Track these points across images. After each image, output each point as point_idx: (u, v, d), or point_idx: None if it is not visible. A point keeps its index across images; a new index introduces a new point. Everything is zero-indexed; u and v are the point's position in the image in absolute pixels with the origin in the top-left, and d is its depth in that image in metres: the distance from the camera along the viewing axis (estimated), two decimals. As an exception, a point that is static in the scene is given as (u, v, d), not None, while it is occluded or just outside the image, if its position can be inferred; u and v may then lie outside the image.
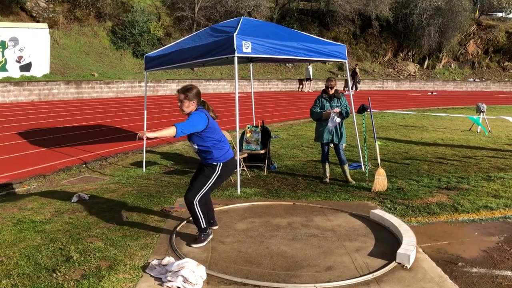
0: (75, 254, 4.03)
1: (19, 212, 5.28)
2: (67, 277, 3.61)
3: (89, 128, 12.58)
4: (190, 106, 4.35)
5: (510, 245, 4.59)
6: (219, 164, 4.42)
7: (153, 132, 4.17)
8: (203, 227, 4.44)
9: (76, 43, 24.94)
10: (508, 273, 3.93)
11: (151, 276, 3.65)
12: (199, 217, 4.41)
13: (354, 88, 29.26)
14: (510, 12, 40.69)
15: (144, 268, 3.80)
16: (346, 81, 28.25)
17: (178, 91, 4.40)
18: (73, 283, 3.50)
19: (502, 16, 40.62)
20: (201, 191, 4.40)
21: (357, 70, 30.35)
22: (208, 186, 4.43)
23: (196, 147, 4.43)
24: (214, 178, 4.43)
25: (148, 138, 4.43)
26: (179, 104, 4.37)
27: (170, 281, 3.47)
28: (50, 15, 24.30)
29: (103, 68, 24.14)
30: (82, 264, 3.85)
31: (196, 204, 4.37)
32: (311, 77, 28.25)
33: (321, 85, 27.89)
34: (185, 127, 4.18)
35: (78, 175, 7.73)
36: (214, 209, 5.50)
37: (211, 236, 4.51)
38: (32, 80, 19.49)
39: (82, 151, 9.44)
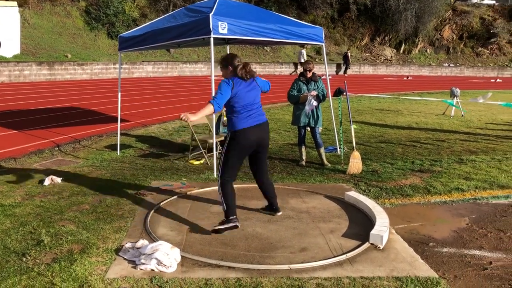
0: (46, 237, 3.95)
1: (-12, 196, 5.13)
2: (37, 261, 3.54)
3: (62, 110, 12.30)
4: (226, 74, 4.34)
5: (479, 225, 4.71)
6: (230, 133, 4.29)
7: (194, 115, 4.12)
8: (224, 209, 4.24)
9: (48, 23, 24.20)
10: (477, 252, 4.03)
11: (124, 259, 3.61)
12: (221, 197, 4.26)
13: (344, 72, 29.69)
14: (485, -2, 41.32)
15: (118, 251, 3.75)
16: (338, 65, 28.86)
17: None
18: (44, 266, 3.44)
19: (476, 2, 41.18)
20: (222, 166, 4.26)
21: (349, 54, 30.72)
22: (228, 160, 4.24)
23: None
24: (229, 150, 4.23)
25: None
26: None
27: (144, 263, 3.44)
28: (20, -7, 23.46)
29: (77, 49, 23.55)
30: (53, 248, 3.78)
31: (219, 181, 4.27)
32: (303, 61, 28.34)
33: (299, 68, 27.97)
34: (218, 99, 4.13)
35: (50, 158, 7.56)
36: (189, 192, 5.47)
37: (232, 224, 4.15)
38: (1, 60, 18.87)
39: (55, 134, 9.23)
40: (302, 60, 28.24)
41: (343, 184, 6.03)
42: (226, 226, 4.16)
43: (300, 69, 28.62)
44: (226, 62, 4.34)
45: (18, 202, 4.97)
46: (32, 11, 23.79)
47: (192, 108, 12.51)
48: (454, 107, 12.93)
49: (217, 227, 4.16)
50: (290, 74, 29.35)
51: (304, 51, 28.44)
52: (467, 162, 7.37)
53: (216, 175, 4.33)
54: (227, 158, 4.26)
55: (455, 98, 13.06)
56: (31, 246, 3.81)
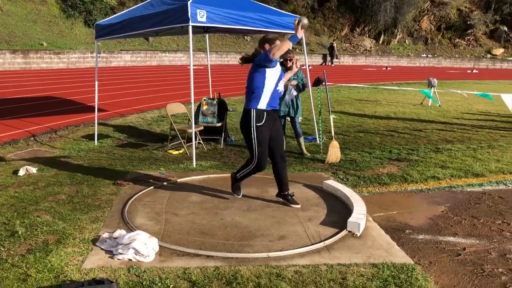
0: (21, 228, 3.88)
1: (-40, 187, 5.01)
2: (11, 252, 3.47)
3: (38, 99, 12.04)
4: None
5: (454, 212, 4.81)
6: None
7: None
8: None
9: (22, 10, 23.57)
10: (451, 238, 4.12)
11: (101, 249, 3.57)
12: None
13: (331, 63, 30.12)
14: (462, -10, 41.86)
15: (95, 241, 3.71)
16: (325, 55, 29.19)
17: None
18: (18, 258, 3.37)
19: (454, -6, 41.72)
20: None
21: (335, 45, 31.13)
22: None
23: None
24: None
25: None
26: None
27: (121, 253, 3.40)
28: (-7, -21, 22.80)
29: (53, 38, 23.03)
30: (28, 239, 3.71)
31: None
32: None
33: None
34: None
35: (25, 148, 7.40)
36: (167, 182, 5.43)
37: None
38: (-26, 48, 18.34)
39: (30, 124, 9.03)
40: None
41: (322, 173, 6.07)
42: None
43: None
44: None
45: (-9, 193, 4.86)
46: (6, -3, 23.14)
47: (172, 97, 12.41)
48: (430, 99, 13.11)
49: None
50: (322, 64, 29.92)
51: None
52: (443, 151, 7.50)
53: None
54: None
55: (433, 88, 13.26)
56: (5, 237, 3.74)
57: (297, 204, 4.70)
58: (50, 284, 3.03)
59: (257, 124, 4.39)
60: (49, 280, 3.08)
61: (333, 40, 32.34)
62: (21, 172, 5.64)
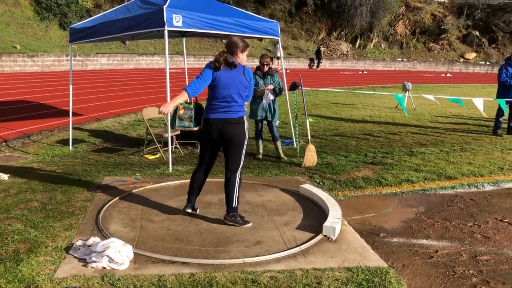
0: (-9, 237, 3.78)
1: None
2: (-19, 262, 3.39)
3: (10, 104, 11.77)
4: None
5: (427, 215, 4.90)
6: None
7: (173, 102, 4.24)
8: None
9: (-5, 12, 23.05)
10: (424, 241, 4.20)
11: (74, 257, 3.51)
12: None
13: (317, 67, 30.72)
14: (436, -5, 42.80)
15: (68, 249, 3.65)
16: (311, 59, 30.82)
17: (243, 50, 4.28)
18: (-12, 268, 3.29)
19: (428, -1, 42.64)
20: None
21: (321, 49, 31.77)
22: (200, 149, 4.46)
23: None
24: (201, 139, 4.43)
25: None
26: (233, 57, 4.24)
27: (95, 261, 3.36)
28: (-37, -20, 22.24)
29: (27, 40, 22.59)
30: (-2, 248, 3.63)
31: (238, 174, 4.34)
32: (279, 55, 29.45)
33: (256, 62, 28.12)
34: (191, 84, 4.22)
35: (-3, 154, 7.22)
36: (145, 187, 5.39)
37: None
38: None
39: (2, 129, 8.83)
40: (279, 55, 29.08)
41: (298, 177, 6.11)
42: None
43: (276, 62, 29.41)
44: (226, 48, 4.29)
45: (-40, 200, 4.73)
46: (-23, -1, 22.60)
47: (148, 101, 12.31)
48: (405, 101, 13.35)
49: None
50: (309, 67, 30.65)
51: (279, 45, 29.05)
52: (417, 154, 7.64)
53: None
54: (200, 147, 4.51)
55: (407, 92, 13.50)
56: (-26, 246, 3.64)
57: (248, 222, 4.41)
58: (21, 295, 2.96)
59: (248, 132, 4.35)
60: (20, 291, 3.01)
61: (320, 45, 33.02)
62: (-8, 179, 5.51)
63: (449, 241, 4.20)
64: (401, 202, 5.34)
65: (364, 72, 31.18)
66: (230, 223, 4.28)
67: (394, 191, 5.68)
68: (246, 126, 4.30)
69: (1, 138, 8.11)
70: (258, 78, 7.03)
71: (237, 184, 4.24)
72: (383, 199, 5.41)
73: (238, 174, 4.25)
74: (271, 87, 6.87)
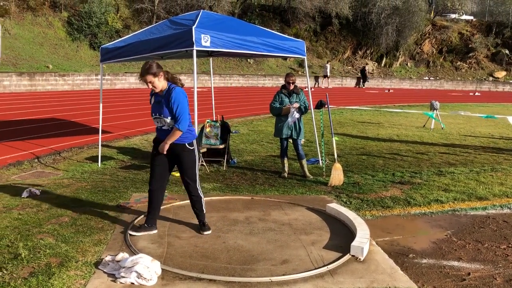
0: (24, 251, 3.88)
1: (-36, 209, 5.02)
2: (14, 275, 3.47)
3: (42, 121, 12.14)
4: (161, 80, 4.27)
5: (458, 236, 4.78)
6: (190, 145, 4.43)
7: (166, 143, 4.30)
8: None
9: (30, 34, 23.97)
10: (455, 263, 4.09)
11: (104, 272, 3.57)
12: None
13: (362, 85, 31.41)
14: (463, 14, 42.36)
15: (97, 264, 3.70)
16: (358, 78, 32.31)
17: (142, 75, 4.24)
18: (21, 281, 3.37)
19: (455, 18, 42.21)
20: (197, 179, 4.53)
21: (366, 68, 32.54)
22: (197, 171, 4.51)
23: (172, 123, 4.28)
24: (196, 160, 4.48)
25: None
26: (151, 86, 4.27)
27: (124, 277, 3.40)
28: (1, 4, 23.22)
29: (58, 60, 23.35)
30: (31, 262, 3.71)
31: (201, 195, 4.59)
32: (328, 74, 30.73)
33: (281, 81, 28.32)
34: (183, 120, 4.23)
35: (29, 170, 7.44)
36: (172, 203, 5.44)
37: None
38: (-19, 71, 18.59)
39: (34, 145, 9.09)
40: (328, 74, 29.86)
41: (324, 196, 6.07)
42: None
43: (324, 81, 30.53)
44: (156, 69, 4.24)
45: (-5, 215, 4.87)
46: (14, 21, 23.56)
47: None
48: (434, 120, 13.17)
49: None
50: (312, 88, 31.18)
51: (328, 65, 30.90)
52: (446, 174, 7.49)
53: (195, 193, 4.55)
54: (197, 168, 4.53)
55: (435, 111, 13.31)
56: (8, 260, 3.74)
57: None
58: (52, 308, 3.02)
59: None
60: (51, 304, 3.07)
61: (366, 64, 33.61)
62: (25, 194, 5.66)
63: (481, 264, 4.08)
64: (430, 222, 5.22)
65: (390, 91, 30.94)
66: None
67: (423, 211, 5.57)
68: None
69: (34, 155, 8.36)
70: (284, 96, 7.07)
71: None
72: (412, 220, 5.31)
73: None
74: (296, 105, 6.89)
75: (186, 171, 4.47)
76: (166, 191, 6.01)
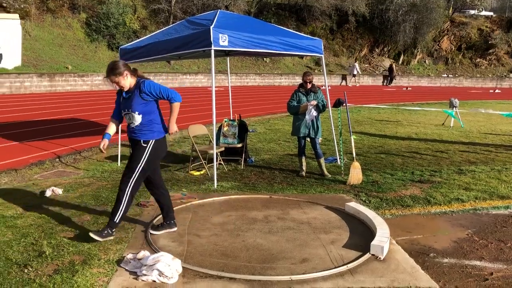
0: (48, 249, 3.96)
1: (-11, 207, 5.14)
2: (39, 272, 3.55)
3: (63, 121, 12.33)
4: (126, 78, 4.25)
5: (480, 235, 4.72)
6: (150, 142, 4.32)
7: (172, 122, 4.45)
8: (119, 217, 4.25)
9: (49, 35, 24.37)
10: (477, 262, 4.04)
11: (126, 270, 3.62)
12: (124, 205, 4.25)
13: (389, 83, 31.50)
14: (482, 10, 41.62)
15: (119, 262, 3.76)
16: (385, 76, 32.72)
17: (107, 75, 4.25)
18: (46, 278, 3.44)
19: (474, 14, 41.49)
20: (134, 174, 4.26)
21: (393, 66, 32.75)
22: (141, 168, 4.27)
23: (139, 120, 4.25)
24: (145, 158, 4.27)
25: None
26: (116, 86, 4.27)
27: (145, 274, 3.44)
28: (22, 6, 23.61)
29: (77, 61, 23.68)
30: (55, 259, 3.79)
31: (127, 191, 4.26)
32: (356, 73, 31.05)
33: (298, 80, 28.19)
34: (174, 94, 4.33)
35: (51, 169, 7.57)
36: (191, 202, 5.49)
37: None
38: (2, 72, 18.96)
39: (55, 145, 9.25)
40: (355, 73, 30.16)
41: (343, 195, 6.04)
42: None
43: (352, 80, 30.82)
44: (121, 68, 4.25)
45: (19, 213, 4.98)
46: (34, 23, 23.96)
47: (192, 119, 12.58)
48: (453, 118, 12.99)
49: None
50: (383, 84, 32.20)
51: (356, 64, 31.34)
52: (466, 172, 7.39)
53: (126, 182, 4.29)
54: (141, 167, 4.31)
55: (454, 108, 13.13)
56: (33, 257, 3.82)
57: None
58: (77, 305, 3.08)
59: None
60: (76, 301, 3.13)
61: (394, 62, 33.73)
62: (48, 193, 5.78)
63: (504, 264, 4.02)
64: (451, 221, 5.16)
65: (408, 89, 30.59)
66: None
67: (444, 210, 5.51)
68: None
69: (55, 154, 8.50)
70: (301, 95, 7.06)
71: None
72: (432, 219, 5.26)
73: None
74: (314, 102, 6.87)
75: (130, 162, 4.35)
76: (184, 190, 6.08)
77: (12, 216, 4.87)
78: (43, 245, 4.04)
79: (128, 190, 4.26)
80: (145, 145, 4.31)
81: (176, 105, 4.35)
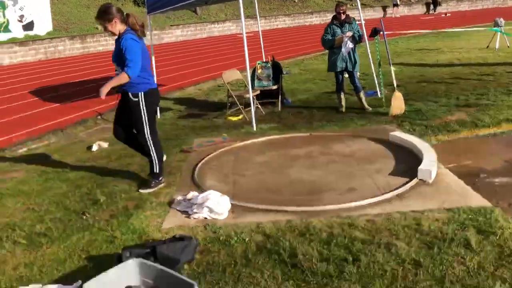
0: (102, 197, 4.14)
1: (43, 164, 5.38)
2: (97, 218, 3.73)
3: (99, 80, 12.53)
4: (115, 25, 4.03)
5: (533, 154, 4.54)
6: (140, 94, 4.13)
7: (106, 86, 4.02)
8: (156, 169, 4.31)
9: (76, -3, 24.39)
10: (532, 180, 3.91)
11: (177, 210, 3.74)
12: (155, 156, 4.30)
13: (434, 11, 31.26)
14: None
15: (170, 204, 3.89)
16: (427, 4, 31.79)
17: (96, 17, 4.07)
18: (103, 222, 3.62)
19: None
20: (145, 129, 4.21)
21: None
22: (149, 121, 4.21)
23: (120, 71, 4.05)
24: (144, 113, 4.16)
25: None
26: (103, 30, 4.10)
27: (197, 212, 3.55)
28: (46, -30, 23.62)
29: (106, 20, 23.71)
30: (109, 206, 3.96)
31: (150, 140, 4.26)
32: (399, 2, 30.45)
33: (330, 17, 27.29)
34: (133, 66, 3.93)
35: (94, 126, 7.79)
36: (233, 145, 5.54)
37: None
38: (36, 38, 19.29)
39: (95, 103, 9.46)
40: (399, 2, 29.96)
41: (386, 126, 5.92)
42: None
43: (394, 11, 29.98)
44: (112, 14, 4.02)
45: (70, 168, 5.19)
46: (59, -14, 23.98)
47: (225, 67, 12.47)
48: (498, 39, 12.25)
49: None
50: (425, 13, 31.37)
51: None
52: (515, 93, 7.04)
53: (144, 139, 4.28)
54: (148, 118, 4.21)
55: (500, 29, 12.35)
56: (89, 205, 4.01)
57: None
58: (135, 244, 3.23)
59: None
60: (134, 240, 3.28)
61: None
62: (95, 148, 5.97)
63: (561, 179, 3.88)
64: (501, 142, 4.98)
65: (448, 15, 28.98)
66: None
67: (493, 131, 5.31)
68: None
69: (96, 112, 8.71)
70: (336, 27, 6.80)
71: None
72: (481, 141, 5.09)
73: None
74: (349, 33, 6.62)
75: (134, 123, 4.29)
76: (225, 134, 6.13)
77: (64, 170, 5.09)
78: (97, 194, 4.21)
79: (149, 140, 4.26)
80: (136, 99, 4.14)
81: (124, 76, 3.95)
